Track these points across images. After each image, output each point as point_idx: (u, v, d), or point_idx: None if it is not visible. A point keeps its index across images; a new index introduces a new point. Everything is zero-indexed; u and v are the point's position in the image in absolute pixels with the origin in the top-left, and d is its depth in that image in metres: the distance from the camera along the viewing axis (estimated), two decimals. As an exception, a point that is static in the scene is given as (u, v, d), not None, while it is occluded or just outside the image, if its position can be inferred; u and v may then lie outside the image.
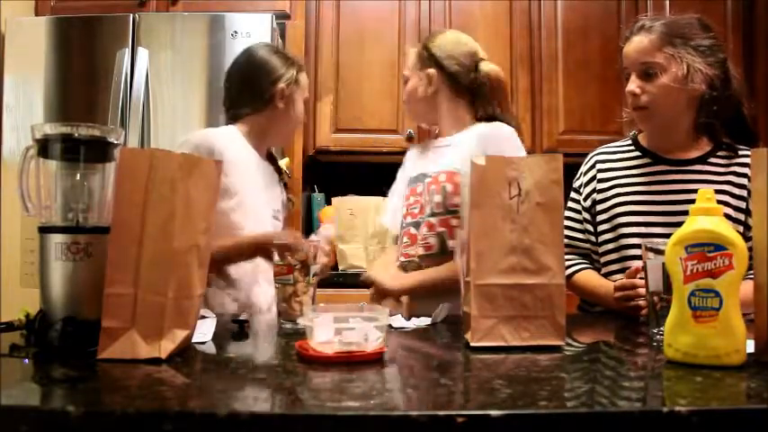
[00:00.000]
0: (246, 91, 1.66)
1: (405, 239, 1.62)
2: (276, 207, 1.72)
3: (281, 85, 1.64)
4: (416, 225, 1.59)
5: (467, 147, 1.54)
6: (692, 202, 1.02)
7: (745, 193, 1.41)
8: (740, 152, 1.46)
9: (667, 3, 2.93)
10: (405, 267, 1.60)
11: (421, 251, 1.57)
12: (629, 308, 1.33)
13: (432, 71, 1.62)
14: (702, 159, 1.46)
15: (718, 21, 2.93)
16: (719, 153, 1.46)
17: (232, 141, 1.62)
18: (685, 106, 1.43)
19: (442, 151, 1.64)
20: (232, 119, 1.69)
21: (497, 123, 1.58)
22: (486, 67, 1.63)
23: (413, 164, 1.72)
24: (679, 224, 0.91)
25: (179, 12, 2.66)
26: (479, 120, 1.62)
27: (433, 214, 1.56)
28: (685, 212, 0.89)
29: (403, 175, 1.74)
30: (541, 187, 1.01)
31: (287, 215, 1.81)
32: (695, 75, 1.39)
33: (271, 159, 1.77)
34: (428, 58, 1.64)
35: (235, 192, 1.57)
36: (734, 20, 2.94)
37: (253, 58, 1.68)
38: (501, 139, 1.54)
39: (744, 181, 1.42)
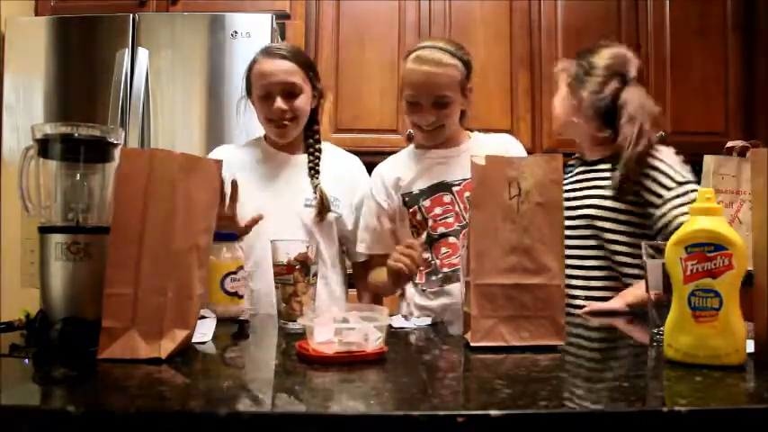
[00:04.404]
0: None
1: (444, 250, 1.57)
2: (309, 196, 1.62)
3: (242, 95, 1.68)
4: (456, 234, 1.56)
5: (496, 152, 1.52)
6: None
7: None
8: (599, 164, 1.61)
9: (667, 3, 2.93)
10: (450, 278, 1.56)
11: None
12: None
13: (471, 85, 1.61)
14: (594, 162, 1.63)
15: (718, 20, 2.94)
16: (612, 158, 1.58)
17: (225, 149, 1.69)
18: (574, 117, 1.62)
19: (459, 160, 1.60)
20: None
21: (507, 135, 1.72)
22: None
23: (412, 175, 1.64)
24: None
25: (179, 12, 2.66)
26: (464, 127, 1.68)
27: None
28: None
29: (387, 192, 1.66)
30: (541, 187, 1.01)
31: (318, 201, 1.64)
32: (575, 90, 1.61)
33: (309, 152, 1.70)
34: (468, 69, 1.59)
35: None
36: (734, 20, 2.94)
37: None
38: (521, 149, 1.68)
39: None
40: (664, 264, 0.91)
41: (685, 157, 1.55)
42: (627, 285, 1.51)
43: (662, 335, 0.91)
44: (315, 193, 1.62)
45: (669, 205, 1.46)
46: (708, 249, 0.85)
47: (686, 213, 1.43)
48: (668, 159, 1.52)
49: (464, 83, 1.57)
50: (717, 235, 0.85)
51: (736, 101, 2.94)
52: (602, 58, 1.59)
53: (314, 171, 1.65)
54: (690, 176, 1.52)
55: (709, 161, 2.02)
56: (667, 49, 2.94)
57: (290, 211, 1.60)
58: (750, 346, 0.86)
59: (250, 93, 1.65)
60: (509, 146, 1.67)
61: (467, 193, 1.54)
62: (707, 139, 2.69)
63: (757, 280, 0.87)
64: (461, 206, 1.57)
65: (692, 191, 1.47)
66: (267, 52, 1.62)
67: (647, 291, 1.06)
